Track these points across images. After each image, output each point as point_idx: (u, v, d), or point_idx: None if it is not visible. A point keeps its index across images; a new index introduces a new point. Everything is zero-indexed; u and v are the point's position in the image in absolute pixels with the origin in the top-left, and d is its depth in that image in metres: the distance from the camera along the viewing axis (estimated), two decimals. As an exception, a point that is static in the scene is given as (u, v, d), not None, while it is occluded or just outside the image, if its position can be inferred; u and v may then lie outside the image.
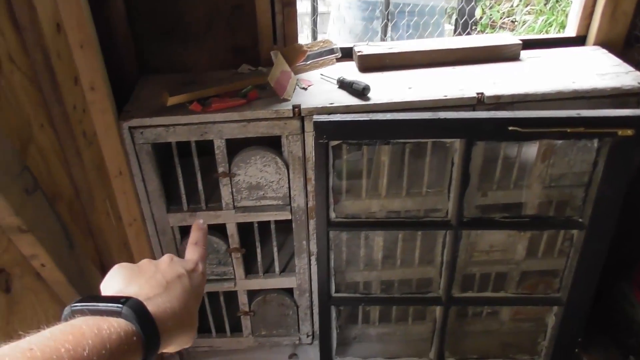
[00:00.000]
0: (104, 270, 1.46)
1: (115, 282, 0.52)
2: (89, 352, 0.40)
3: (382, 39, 2.63)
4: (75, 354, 0.39)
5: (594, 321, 1.82)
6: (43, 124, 1.19)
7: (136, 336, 0.44)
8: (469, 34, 2.75)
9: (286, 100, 1.49)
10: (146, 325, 0.45)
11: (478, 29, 3.55)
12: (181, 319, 0.50)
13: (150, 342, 0.45)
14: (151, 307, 0.47)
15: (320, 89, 1.56)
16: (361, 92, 1.48)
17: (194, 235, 0.65)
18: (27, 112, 1.12)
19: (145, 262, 0.56)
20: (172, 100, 1.42)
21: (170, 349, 0.52)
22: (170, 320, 0.48)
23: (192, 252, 0.62)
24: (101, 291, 0.52)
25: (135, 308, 0.45)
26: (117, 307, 0.45)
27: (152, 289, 0.50)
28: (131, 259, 1.63)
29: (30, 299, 1.10)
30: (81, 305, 0.45)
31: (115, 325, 0.43)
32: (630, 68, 1.56)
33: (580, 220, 1.52)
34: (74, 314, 0.45)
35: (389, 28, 2.70)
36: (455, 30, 2.89)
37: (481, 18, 3.62)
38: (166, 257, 0.57)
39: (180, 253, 1.65)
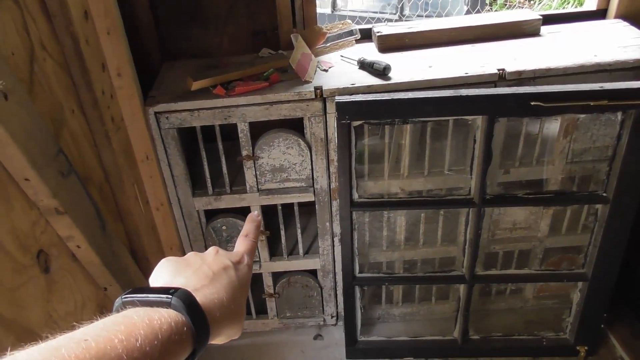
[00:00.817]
0: (134, 254, 1.50)
1: (163, 274, 0.53)
2: (142, 342, 0.40)
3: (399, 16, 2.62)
4: (128, 344, 0.40)
5: (619, 296, 1.82)
6: (74, 109, 1.22)
7: (186, 326, 0.44)
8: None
9: (308, 82, 1.50)
10: (195, 315, 0.46)
11: (494, 9, 3.51)
12: (229, 310, 0.50)
13: (200, 333, 0.46)
14: (199, 297, 0.47)
15: (340, 70, 1.57)
16: (382, 72, 1.49)
17: (246, 227, 0.64)
18: (59, 97, 1.15)
19: (191, 255, 0.57)
20: (196, 85, 1.45)
21: (218, 340, 0.52)
22: (219, 311, 0.49)
23: (241, 245, 0.61)
24: (150, 284, 0.53)
25: (184, 298, 0.46)
26: (167, 297, 0.45)
27: (199, 281, 0.51)
28: (159, 243, 1.67)
29: (67, 280, 1.14)
30: (132, 297, 0.46)
31: (165, 316, 0.44)
32: (653, 40, 1.55)
33: (604, 194, 1.51)
34: (124, 305, 0.46)
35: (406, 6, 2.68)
36: (470, 12, 2.87)
37: (496, -1, 3.59)
38: (212, 250, 0.58)
39: (205, 236, 1.69)
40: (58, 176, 1.04)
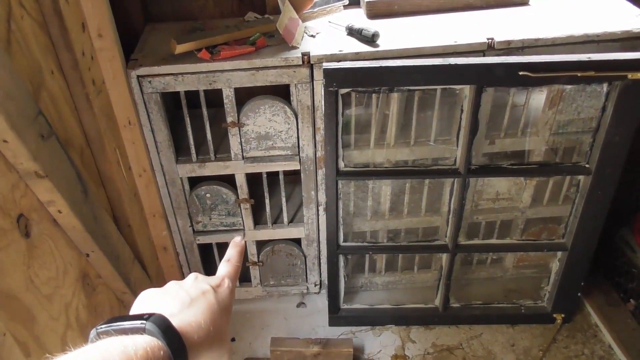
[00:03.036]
0: (116, 221, 1.48)
1: (141, 305, 0.53)
2: None
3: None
4: None
5: (595, 266, 1.86)
6: (53, 70, 1.17)
7: (162, 350, 0.44)
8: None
9: (295, 47, 1.47)
10: (171, 339, 0.45)
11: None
12: (208, 333, 0.50)
13: (177, 356, 0.45)
14: (176, 322, 0.47)
15: (328, 36, 1.54)
16: (370, 38, 1.46)
17: (229, 252, 0.63)
18: (38, 57, 1.11)
19: (170, 284, 0.56)
20: (180, 48, 1.41)
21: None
22: (196, 334, 0.48)
23: (222, 268, 0.61)
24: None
25: (158, 323, 0.45)
26: (141, 323, 0.45)
27: (176, 306, 0.50)
28: (141, 210, 1.65)
29: (48, 245, 1.12)
30: (106, 327, 0.46)
31: (140, 341, 0.43)
32: (640, 12, 1.55)
33: (586, 165, 1.53)
34: (99, 335, 0.45)
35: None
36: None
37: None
38: (191, 276, 0.57)
39: (189, 204, 1.67)
40: (38, 139, 1.01)
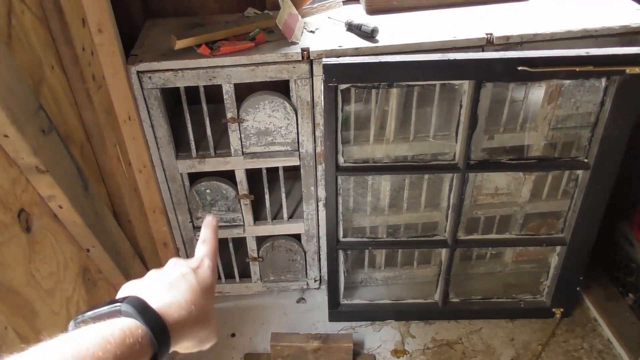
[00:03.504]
0: (116, 216, 1.48)
1: (122, 294, 0.53)
2: (94, 350, 0.40)
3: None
4: (79, 353, 0.40)
5: (594, 261, 1.87)
6: (53, 65, 1.18)
7: (141, 329, 0.44)
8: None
9: (294, 43, 1.47)
10: (149, 318, 0.45)
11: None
12: (189, 313, 0.50)
13: (157, 334, 0.45)
14: (154, 303, 0.47)
15: (328, 31, 1.54)
16: (370, 34, 1.47)
17: (203, 233, 0.63)
18: (38, 52, 1.11)
19: (150, 273, 0.56)
20: (180, 44, 1.41)
21: (190, 346, 0.52)
22: (176, 313, 0.48)
23: (199, 250, 0.61)
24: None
25: (134, 303, 0.45)
26: (116, 306, 0.45)
27: (154, 290, 0.50)
28: (141, 206, 1.65)
29: (49, 240, 1.12)
30: (82, 316, 0.46)
31: (117, 324, 0.43)
32: (638, 6, 1.55)
33: (585, 160, 1.54)
34: (77, 325, 0.46)
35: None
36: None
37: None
38: (170, 262, 0.57)
39: (189, 199, 1.67)
40: (39, 133, 1.02)
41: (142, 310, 0.45)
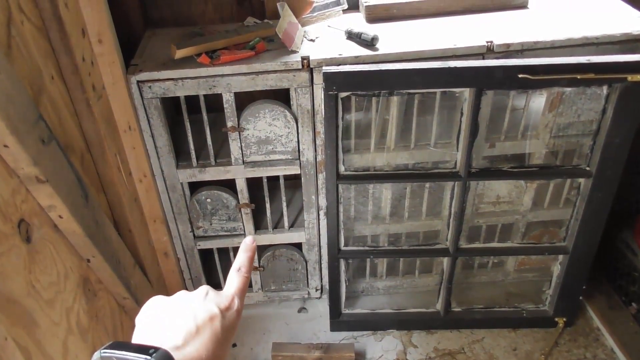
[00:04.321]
0: (116, 226, 1.48)
1: (149, 320, 0.53)
2: None
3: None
4: None
5: (597, 269, 1.86)
6: (53, 75, 1.18)
7: None
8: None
9: (294, 52, 1.48)
10: None
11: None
12: None
13: None
14: (178, 357, 0.47)
15: (328, 40, 1.54)
16: (370, 42, 1.47)
17: (240, 259, 0.60)
18: (38, 62, 1.11)
19: (179, 297, 0.55)
20: (180, 53, 1.41)
21: None
22: None
23: (232, 283, 0.58)
24: (135, 324, 0.53)
25: None
26: (145, 358, 0.45)
27: (181, 336, 0.50)
28: (142, 215, 1.65)
29: (49, 250, 1.12)
30: (111, 352, 0.46)
31: None
32: (639, 13, 1.55)
33: (587, 168, 1.53)
34: (103, 359, 0.46)
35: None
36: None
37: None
38: (201, 292, 0.55)
39: (189, 209, 1.67)
40: (38, 143, 1.01)
41: None
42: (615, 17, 1.54)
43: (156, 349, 0.46)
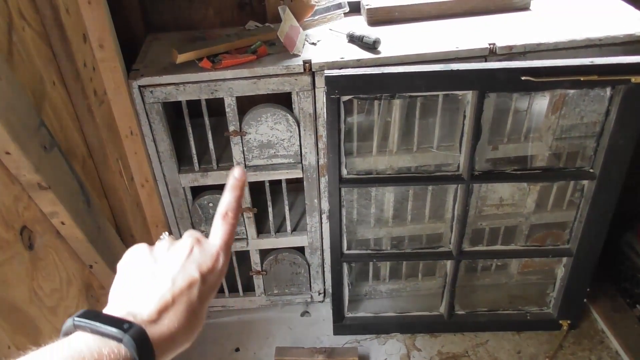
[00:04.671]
0: (119, 231, 1.47)
1: (127, 276, 0.51)
2: None
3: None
4: None
5: (601, 271, 1.85)
6: (55, 81, 1.17)
7: None
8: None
9: (296, 55, 1.47)
10: (145, 354, 0.45)
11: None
12: (179, 337, 0.48)
13: None
14: (152, 331, 0.46)
15: (329, 43, 1.54)
16: (372, 45, 1.46)
17: (225, 200, 0.55)
18: (39, 68, 1.11)
19: (161, 252, 0.52)
20: (181, 58, 1.41)
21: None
22: (169, 341, 0.47)
23: (216, 234, 0.54)
24: (117, 270, 0.52)
25: (136, 337, 0.44)
26: (119, 333, 0.44)
27: (156, 307, 0.48)
28: (144, 220, 1.64)
29: (52, 257, 1.11)
30: (84, 322, 0.45)
31: (115, 352, 0.43)
32: (642, 15, 1.55)
33: (591, 170, 1.52)
34: (75, 328, 0.45)
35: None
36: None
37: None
38: (187, 245, 0.52)
39: (192, 213, 1.66)
40: (40, 150, 1.01)
41: (142, 347, 0.45)
42: (618, 19, 1.54)
43: (131, 325, 0.45)
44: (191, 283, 0.49)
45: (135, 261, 0.52)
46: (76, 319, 0.45)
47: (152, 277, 0.50)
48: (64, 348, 0.42)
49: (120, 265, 0.52)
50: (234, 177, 0.55)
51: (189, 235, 0.53)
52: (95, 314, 0.45)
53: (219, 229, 0.54)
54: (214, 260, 0.52)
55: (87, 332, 0.44)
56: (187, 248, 0.52)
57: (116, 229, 1.46)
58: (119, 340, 0.44)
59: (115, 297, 0.50)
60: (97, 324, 0.44)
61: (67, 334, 0.45)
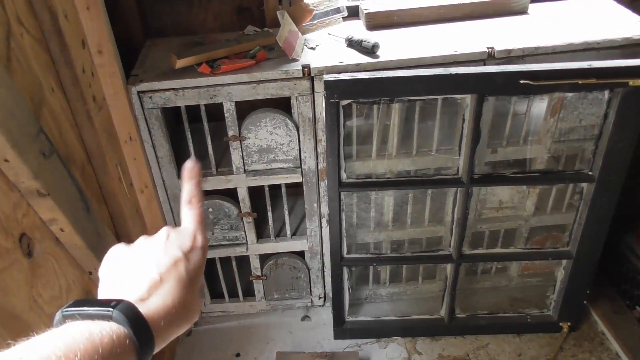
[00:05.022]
0: (118, 238, 1.47)
1: (111, 272, 0.51)
2: (81, 357, 0.39)
3: None
4: (67, 355, 0.39)
5: (600, 273, 1.85)
6: (53, 87, 1.17)
7: (129, 339, 0.43)
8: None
9: (295, 60, 1.47)
10: (138, 327, 0.44)
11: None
12: (175, 314, 0.48)
13: (144, 344, 0.45)
14: (143, 308, 0.46)
15: (328, 48, 1.54)
16: (370, 49, 1.46)
17: (186, 189, 0.57)
18: (38, 75, 1.10)
19: (139, 244, 0.53)
20: (180, 63, 1.41)
21: (167, 340, 0.51)
22: (164, 319, 0.47)
23: (188, 219, 0.55)
24: (98, 276, 0.52)
25: (126, 311, 0.44)
26: (108, 310, 0.44)
27: (144, 286, 0.48)
28: (144, 226, 1.64)
29: (51, 264, 1.11)
30: (72, 310, 0.45)
31: (107, 329, 0.42)
32: (639, 18, 1.55)
33: (590, 173, 1.53)
34: (65, 319, 0.44)
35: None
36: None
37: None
38: (162, 235, 0.54)
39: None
40: (39, 157, 1.00)
41: (133, 319, 0.44)
42: (616, 22, 1.54)
43: (118, 301, 0.45)
44: (176, 260, 0.51)
45: (116, 258, 0.52)
46: (64, 309, 0.45)
47: (135, 266, 0.51)
48: (55, 337, 0.41)
49: (101, 269, 0.52)
50: (187, 169, 0.58)
51: (164, 228, 0.55)
52: (82, 301, 0.45)
53: (187, 214, 0.56)
54: (192, 239, 0.53)
55: (76, 320, 0.43)
56: (164, 235, 0.53)
57: (115, 235, 1.46)
58: (109, 317, 0.43)
59: (103, 290, 0.50)
60: (85, 308, 0.44)
61: (57, 326, 0.44)
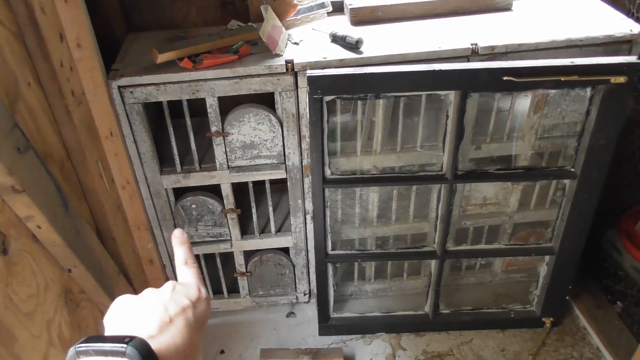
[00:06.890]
0: (99, 234, 1.45)
1: (117, 316, 0.52)
2: None
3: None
4: None
5: (583, 269, 1.87)
6: (30, 82, 1.15)
7: None
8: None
9: (278, 55, 1.46)
10: None
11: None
12: (184, 353, 0.49)
13: None
14: (155, 345, 0.46)
15: (312, 43, 1.53)
16: (354, 45, 1.46)
17: (180, 253, 0.60)
18: (13, 68, 1.08)
19: (147, 293, 0.54)
20: (161, 57, 1.39)
21: None
22: (175, 356, 0.48)
23: (188, 275, 0.58)
24: (104, 326, 0.52)
25: (139, 348, 0.45)
26: (122, 347, 0.44)
27: (155, 325, 0.49)
28: (125, 223, 1.62)
29: (27, 262, 1.09)
30: (86, 346, 0.45)
31: None
32: (622, 16, 1.56)
33: (572, 169, 1.53)
34: (78, 355, 0.45)
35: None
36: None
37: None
38: (168, 286, 0.55)
39: (174, 215, 1.64)
40: (14, 152, 0.98)
41: (147, 356, 0.45)
42: (598, 20, 1.55)
43: (131, 338, 0.45)
44: (184, 307, 0.52)
45: (124, 306, 0.53)
46: (78, 345, 0.45)
47: (145, 309, 0.52)
48: None
49: (107, 316, 0.52)
50: (177, 237, 0.62)
51: (170, 282, 0.56)
52: (96, 338, 0.46)
53: (186, 272, 0.59)
54: (197, 290, 0.56)
55: (90, 356, 0.44)
56: (171, 286, 0.55)
57: (97, 232, 1.44)
58: (122, 354, 0.44)
59: (111, 333, 0.51)
60: (99, 344, 0.45)
61: None
